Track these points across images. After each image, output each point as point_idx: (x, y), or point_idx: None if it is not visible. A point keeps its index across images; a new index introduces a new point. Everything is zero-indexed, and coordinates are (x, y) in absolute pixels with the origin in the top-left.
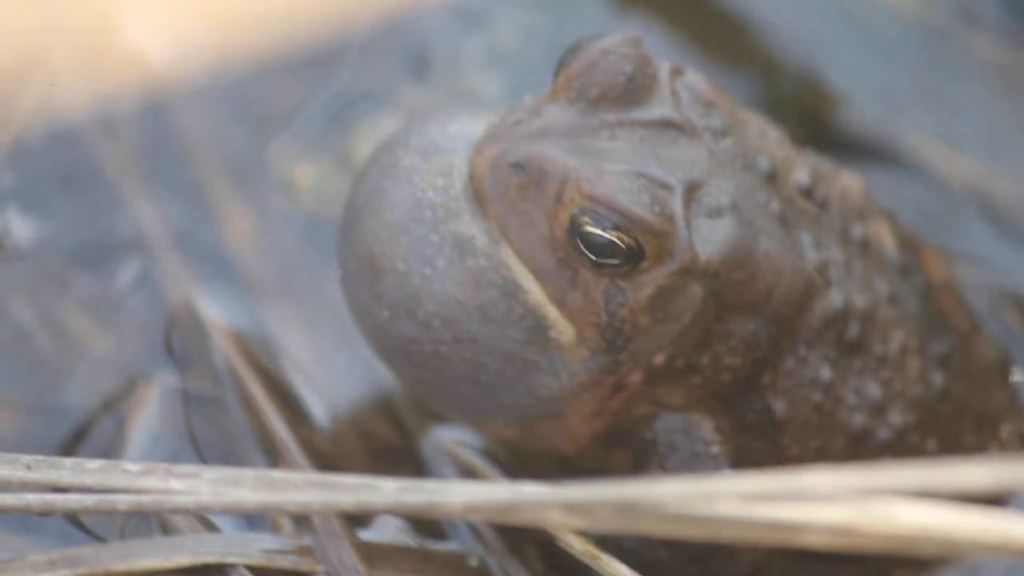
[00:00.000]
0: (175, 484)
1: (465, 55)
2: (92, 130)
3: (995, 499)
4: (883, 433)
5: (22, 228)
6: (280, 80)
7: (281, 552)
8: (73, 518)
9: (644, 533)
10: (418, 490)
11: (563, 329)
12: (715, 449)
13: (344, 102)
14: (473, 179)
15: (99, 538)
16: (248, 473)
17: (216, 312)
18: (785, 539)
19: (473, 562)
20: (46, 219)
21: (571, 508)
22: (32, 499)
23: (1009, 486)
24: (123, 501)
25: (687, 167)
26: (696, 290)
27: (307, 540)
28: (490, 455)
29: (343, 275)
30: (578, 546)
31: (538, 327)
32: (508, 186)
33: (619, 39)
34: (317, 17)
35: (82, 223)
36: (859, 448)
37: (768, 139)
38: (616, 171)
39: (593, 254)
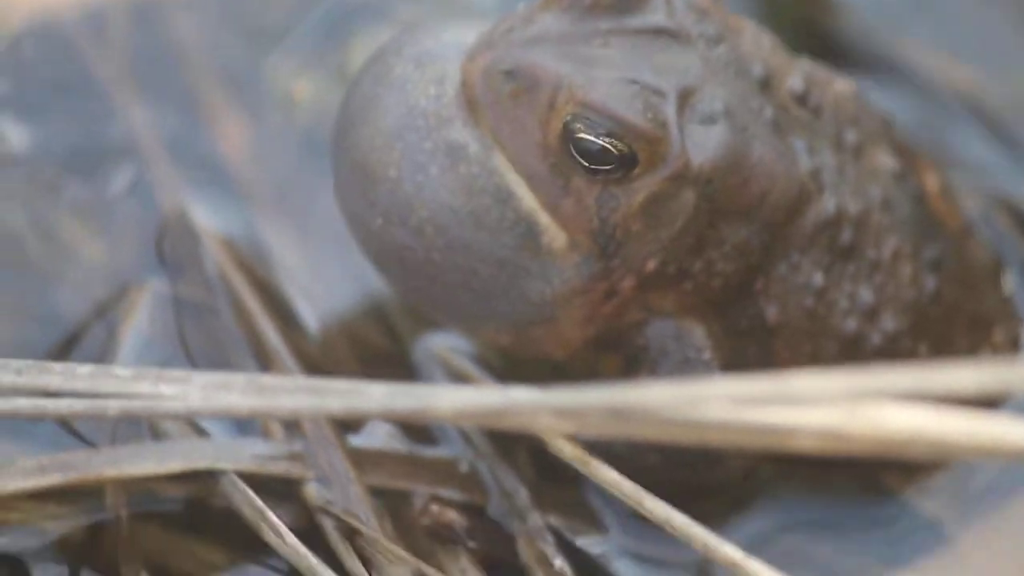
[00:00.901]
0: (165, 389)
1: None
2: (86, 38)
3: (987, 403)
4: (876, 338)
5: (15, 135)
6: None
7: (271, 458)
8: (64, 423)
9: (634, 437)
10: (408, 395)
11: (555, 235)
12: (706, 355)
13: (340, 15)
14: (465, 86)
15: (90, 444)
16: (238, 378)
17: (209, 219)
18: (775, 443)
19: (463, 467)
20: (39, 126)
21: (561, 412)
22: (22, 403)
23: (1000, 389)
24: (113, 406)
25: (680, 74)
26: (689, 196)
27: (297, 446)
28: (482, 361)
29: (336, 183)
30: (568, 451)
31: (530, 233)
32: (500, 93)
33: None
34: None
35: (75, 130)
36: (852, 353)
37: (762, 46)
38: (609, 78)
39: (586, 160)
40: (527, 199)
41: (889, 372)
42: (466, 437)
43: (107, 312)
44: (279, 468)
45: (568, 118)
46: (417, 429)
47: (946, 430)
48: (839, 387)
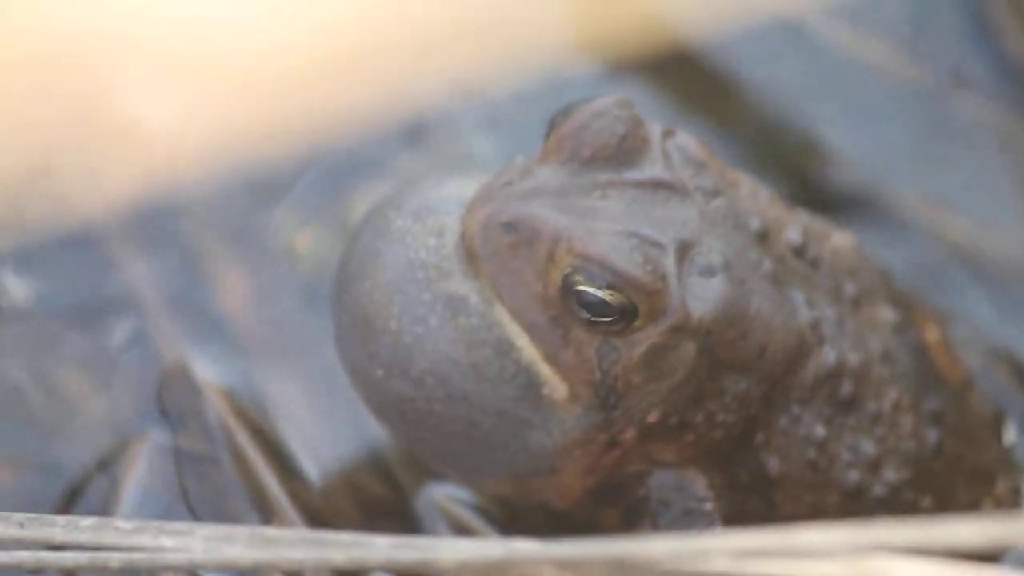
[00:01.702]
0: (167, 542)
1: (460, 121)
2: (85, 192)
3: (989, 556)
4: (878, 489)
5: (18, 289)
6: (278, 148)
7: None
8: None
9: None
10: (410, 547)
11: (556, 386)
12: (708, 506)
13: (342, 170)
14: (465, 239)
15: None
16: (241, 530)
17: (209, 371)
18: None
19: None
20: (40, 279)
21: (563, 564)
22: (25, 556)
23: (1002, 543)
24: (115, 559)
25: (679, 227)
26: (689, 348)
27: None
28: (483, 512)
29: (337, 334)
30: None
31: (531, 385)
32: (499, 245)
33: (611, 101)
34: (316, 86)
35: (76, 283)
36: (854, 504)
37: (759, 199)
38: (608, 230)
39: (586, 312)
40: (527, 350)
41: (892, 526)
42: None
43: (109, 464)
44: None
45: (568, 270)
46: None
47: None
48: (842, 540)
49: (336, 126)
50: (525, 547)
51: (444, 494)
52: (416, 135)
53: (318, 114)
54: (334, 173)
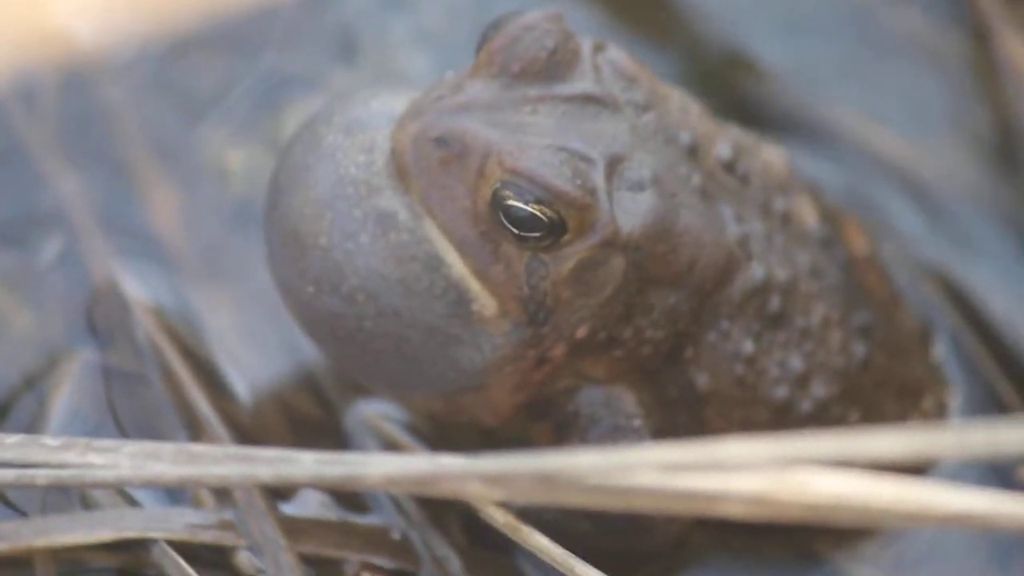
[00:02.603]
0: (94, 458)
1: (391, 36)
2: (14, 106)
3: (915, 469)
4: (806, 405)
5: None
6: (206, 61)
7: (203, 527)
8: None
9: (564, 504)
10: (337, 462)
11: (485, 302)
12: (637, 423)
13: (272, 84)
14: (395, 154)
15: (22, 512)
16: (167, 447)
17: (139, 289)
18: (703, 509)
19: (395, 535)
20: None
21: (490, 480)
22: None
23: (926, 455)
24: (42, 475)
25: (609, 141)
26: (618, 263)
27: (229, 515)
28: (413, 429)
29: (268, 251)
30: (500, 518)
31: (460, 300)
32: (430, 161)
33: (541, 15)
34: None
35: (4, 200)
36: (782, 420)
37: (690, 113)
38: (538, 145)
39: (515, 227)
40: (457, 266)
41: (816, 438)
42: (397, 504)
43: (36, 382)
44: (210, 537)
45: (497, 185)
46: (348, 497)
47: (873, 496)
48: (766, 453)
49: (262, 37)
50: (452, 462)
51: (374, 412)
52: (347, 50)
53: (249, 27)
54: (263, 87)
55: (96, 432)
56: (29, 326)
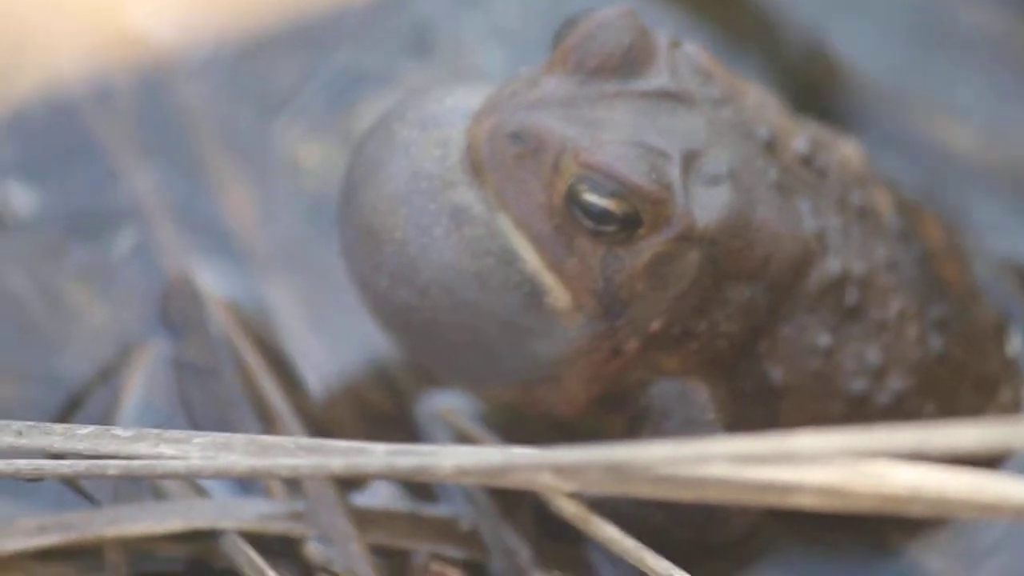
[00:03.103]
0: (165, 449)
1: (465, 32)
2: (91, 103)
3: (990, 462)
4: (882, 398)
5: (21, 199)
6: (281, 58)
7: (273, 517)
8: (68, 482)
9: (635, 495)
10: (408, 453)
11: (560, 296)
12: (710, 415)
13: (346, 81)
14: (470, 149)
15: (94, 501)
16: (238, 438)
17: (213, 283)
18: (776, 501)
19: (465, 526)
20: (44, 190)
21: (562, 471)
22: (22, 464)
23: (1003, 448)
24: (113, 466)
25: (685, 136)
26: (693, 257)
27: (299, 505)
28: (485, 421)
29: (343, 246)
30: (570, 509)
31: (535, 294)
32: (505, 155)
33: (616, 11)
34: None
35: (80, 194)
36: (858, 413)
37: (767, 108)
38: (614, 140)
39: (591, 221)
40: (532, 260)
41: (891, 431)
42: (468, 496)
43: (110, 375)
44: (280, 527)
45: (573, 180)
46: (419, 488)
47: (947, 488)
48: (840, 445)
49: (336, 34)
50: (523, 453)
51: (446, 404)
52: (421, 46)
53: (325, 24)
54: (338, 84)
55: (168, 424)
56: (103, 319)
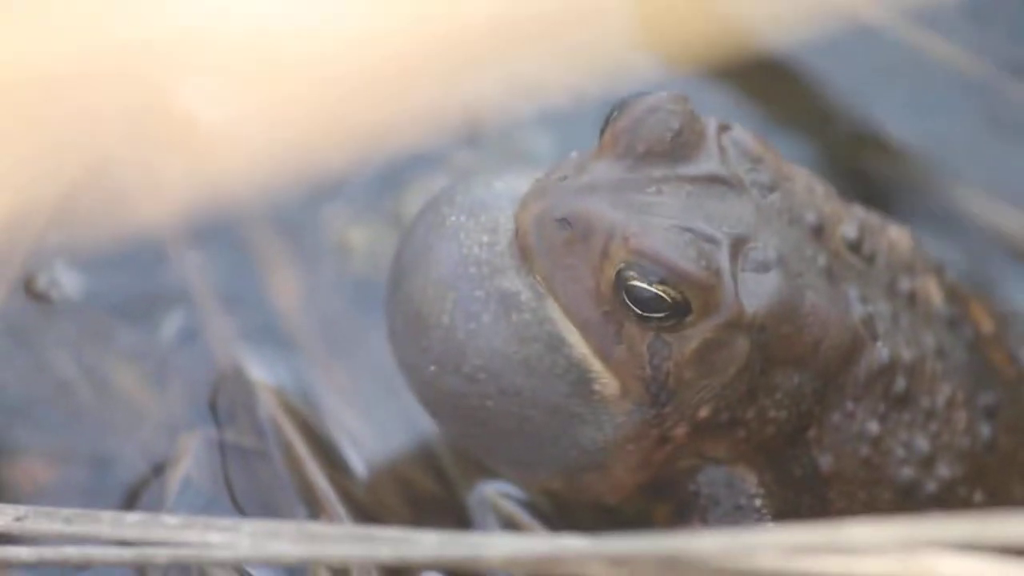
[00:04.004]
0: (214, 537)
1: (515, 117)
2: (141, 189)
3: None
4: (931, 486)
5: (70, 282)
6: (332, 145)
7: None
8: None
9: None
10: (458, 543)
11: (607, 382)
12: (758, 503)
13: (396, 164)
14: (519, 234)
15: None
16: (288, 526)
17: (260, 366)
18: None
19: None
20: (94, 274)
21: (613, 561)
22: (71, 552)
23: None
24: (162, 554)
25: (734, 222)
26: (742, 344)
27: None
28: (533, 507)
29: (390, 331)
30: None
31: (582, 380)
32: (553, 241)
33: (665, 96)
34: (374, 89)
35: (129, 279)
36: (907, 501)
37: (815, 193)
38: (663, 226)
39: (639, 308)
40: (579, 346)
41: (944, 521)
42: None
43: (157, 459)
44: None
45: (621, 266)
46: None
47: None
48: (893, 536)
49: (393, 127)
50: (574, 543)
51: (495, 490)
52: (472, 132)
53: (376, 116)
54: (388, 169)
55: (214, 509)
56: (150, 404)
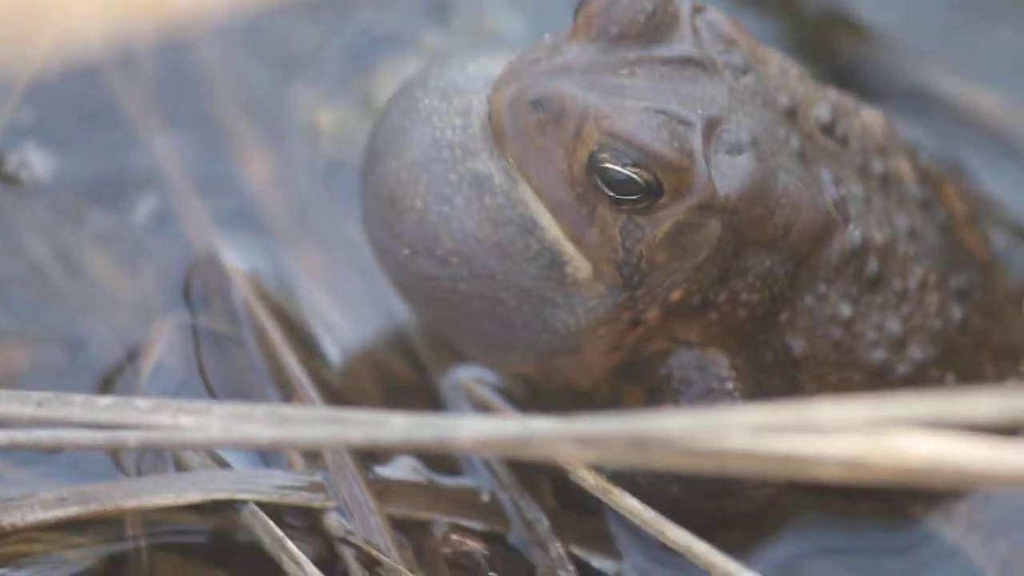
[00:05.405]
0: (185, 420)
1: None
2: (110, 67)
3: (1010, 431)
4: (903, 368)
5: (40, 163)
6: (299, 21)
7: (292, 488)
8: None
9: (655, 467)
10: (428, 425)
11: (580, 265)
12: (729, 385)
13: (365, 45)
14: (492, 117)
15: (113, 474)
16: (258, 409)
17: (232, 250)
18: (796, 472)
19: (485, 497)
20: (64, 155)
21: (582, 442)
22: (43, 435)
23: (1023, 417)
24: (133, 437)
25: (707, 104)
26: (714, 226)
27: (318, 476)
28: (506, 392)
29: (364, 214)
30: (591, 480)
31: (555, 263)
32: (527, 123)
33: None
34: None
35: (99, 159)
36: (878, 383)
37: (788, 76)
38: (636, 107)
39: (611, 190)
40: (552, 229)
41: (911, 400)
42: (488, 467)
43: (129, 342)
44: (299, 498)
45: (594, 148)
46: (439, 459)
47: (968, 458)
48: (861, 415)
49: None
50: (543, 424)
51: (467, 375)
52: (440, 10)
53: None
54: (355, 48)
55: (188, 393)
56: (122, 286)
